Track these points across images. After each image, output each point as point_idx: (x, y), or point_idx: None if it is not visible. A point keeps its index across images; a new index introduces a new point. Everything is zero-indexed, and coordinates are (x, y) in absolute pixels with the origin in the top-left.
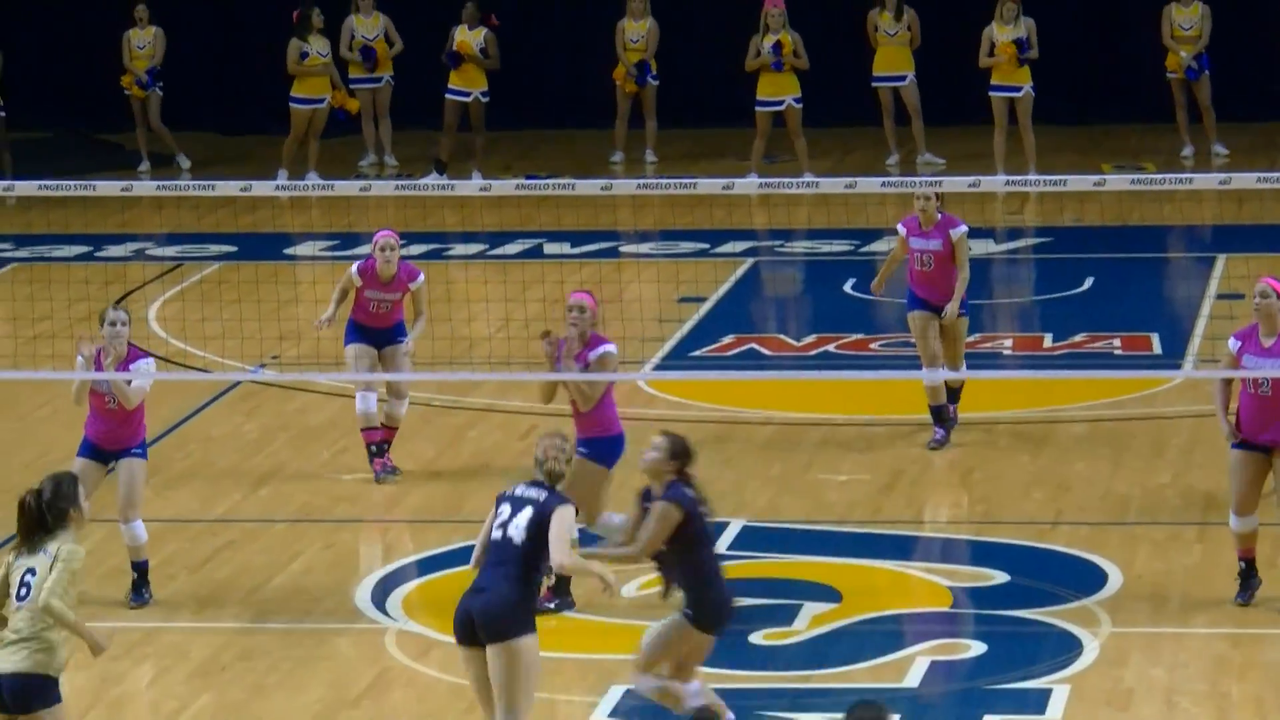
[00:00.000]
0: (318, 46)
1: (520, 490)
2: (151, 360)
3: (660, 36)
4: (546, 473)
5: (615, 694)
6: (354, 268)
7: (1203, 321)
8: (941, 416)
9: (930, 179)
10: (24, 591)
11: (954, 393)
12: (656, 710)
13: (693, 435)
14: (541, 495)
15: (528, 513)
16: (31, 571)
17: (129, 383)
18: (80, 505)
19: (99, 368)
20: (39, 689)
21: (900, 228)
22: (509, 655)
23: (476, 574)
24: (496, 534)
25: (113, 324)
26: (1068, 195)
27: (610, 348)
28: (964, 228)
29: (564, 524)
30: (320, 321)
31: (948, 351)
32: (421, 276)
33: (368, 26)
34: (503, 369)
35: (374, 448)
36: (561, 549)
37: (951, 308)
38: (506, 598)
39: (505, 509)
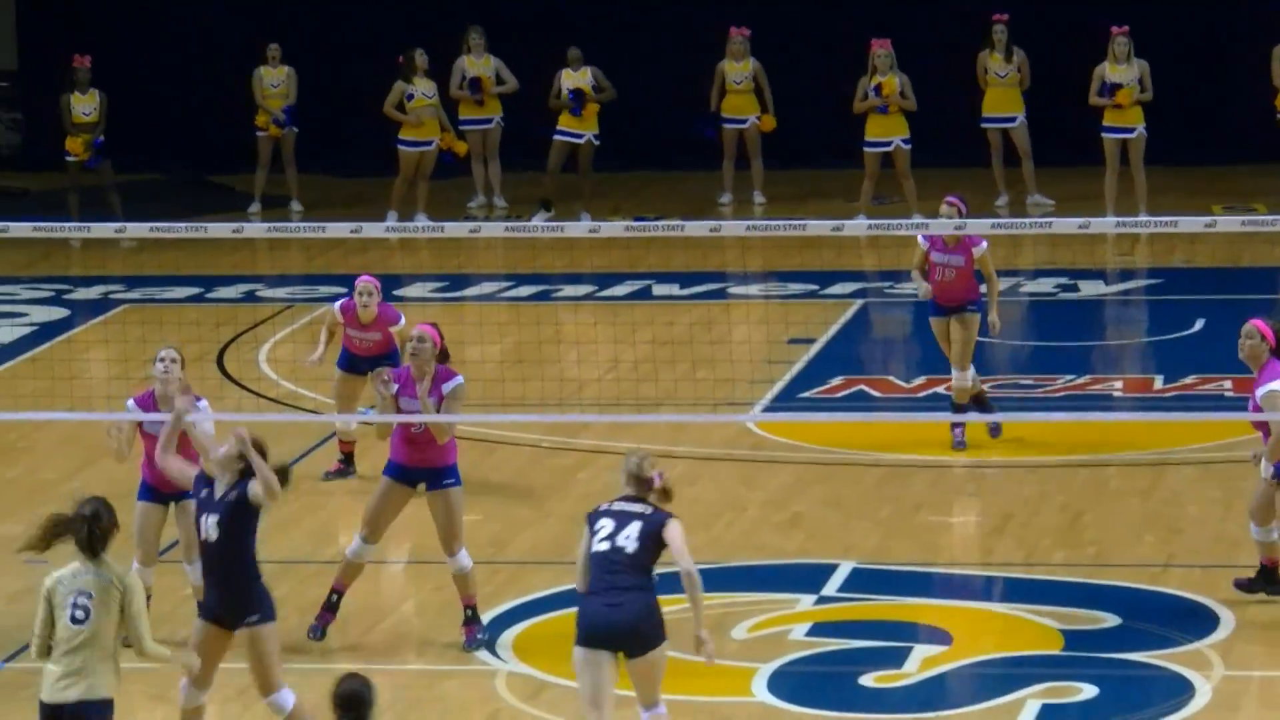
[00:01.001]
0: (423, 89)
1: (618, 506)
2: (205, 401)
3: (768, 77)
4: (642, 481)
5: None
6: (336, 305)
7: None
8: (968, 408)
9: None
10: (80, 615)
11: (978, 401)
12: None
13: (802, 477)
14: (646, 509)
15: (636, 525)
16: (86, 595)
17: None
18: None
19: (153, 407)
20: (99, 712)
21: (922, 240)
22: (649, 665)
23: (590, 588)
24: (603, 546)
25: (162, 360)
26: (1178, 237)
27: (460, 380)
28: (985, 244)
29: (682, 536)
30: (311, 360)
31: (955, 350)
32: (402, 320)
33: (479, 68)
34: (612, 411)
35: (343, 458)
36: (689, 559)
37: (993, 317)
38: (644, 609)
39: (606, 524)
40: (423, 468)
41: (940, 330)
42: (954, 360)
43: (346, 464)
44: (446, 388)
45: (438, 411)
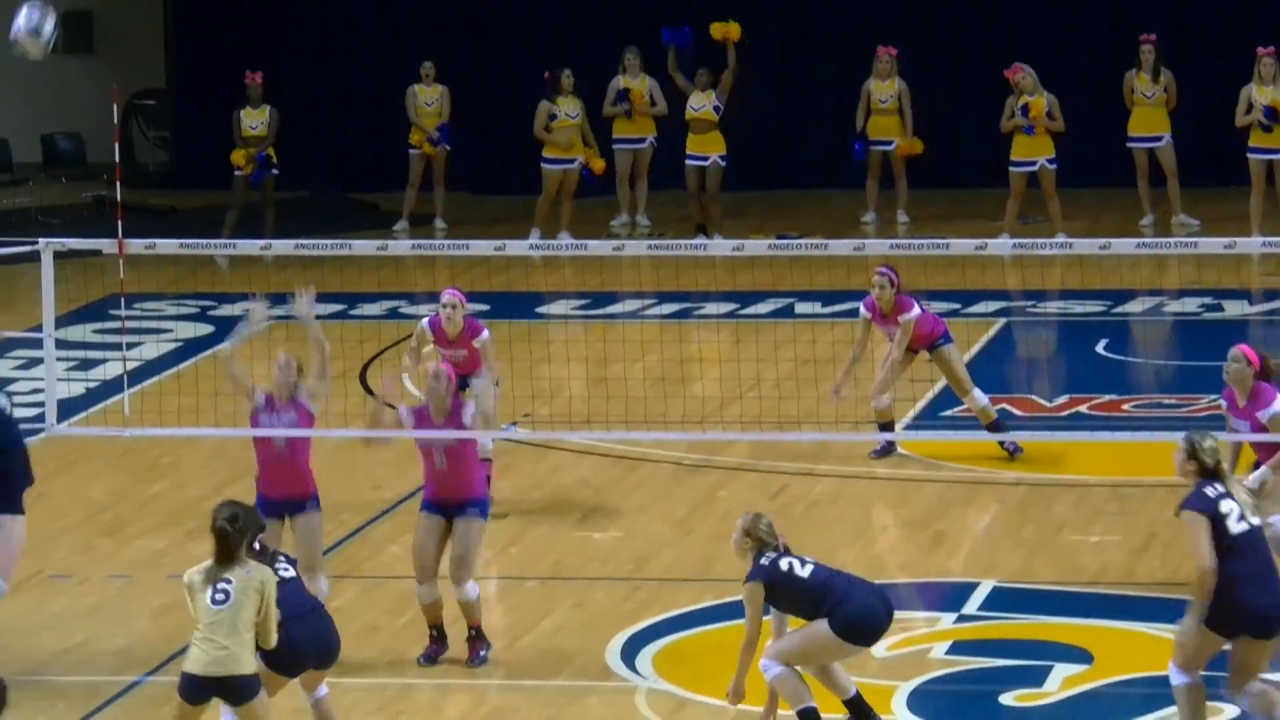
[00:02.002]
0: (567, 109)
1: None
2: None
3: (915, 97)
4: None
5: None
6: (425, 322)
7: None
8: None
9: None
10: (220, 597)
11: (996, 427)
12: None
13: (944, 496)
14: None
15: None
16: (229, 581)
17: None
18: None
19: (270, 410)
20: (249, 686)
21: (864, 310)
22: None
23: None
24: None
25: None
26: None
27: (471, 408)
28: (915, 310)
29: None
30: (390, 386)
31: (951, 383)
32: (486, 334)
33: (632, 89)
34: (754, 429)
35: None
36: None
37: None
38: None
39: (792, 561)
40: (454, 500)
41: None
42: (958, 392)
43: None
44: (467, 416)
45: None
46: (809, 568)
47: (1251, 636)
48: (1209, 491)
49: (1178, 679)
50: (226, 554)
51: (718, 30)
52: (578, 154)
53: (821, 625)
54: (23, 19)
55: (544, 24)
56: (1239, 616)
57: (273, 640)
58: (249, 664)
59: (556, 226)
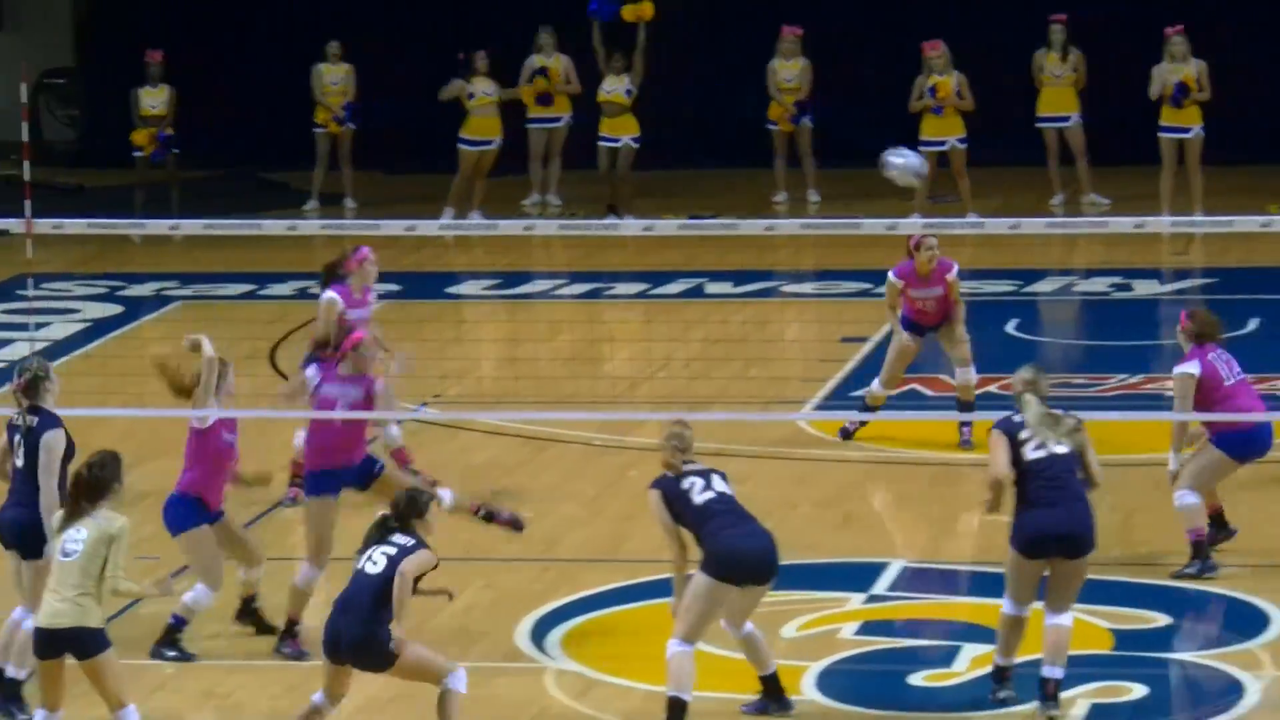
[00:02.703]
0: (483, 88)
1: (690, 468)
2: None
3: (824, 76)
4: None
5: None
6: (332, 293)
7: None
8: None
9: (924, 222)
10: (71, 547)
11: (967, 408)
12: None
13: (854, 476)
14: (703, 465)
15: (716, 476)
16: (80, 531)
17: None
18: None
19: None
20: (92, 639)
21: (896, 279)
22: (764, 591)
23: (722, 526)
24: (708, 495)
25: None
26: (1233, 236)
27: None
28: (956, 267)
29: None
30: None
31: (955, 351)
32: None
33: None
34: (664, 409)
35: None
36: None
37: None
38: (771, 539)
39: (695, 481)
40: (350, 464)
41: (904, 348)
42: (958, 362)
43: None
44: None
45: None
46: (707, 495)
47: (1061, 557)
48: (1015, 418)
49: (1007, 608)
50: (77, 503)
51: (630, 12)
52: (495, 135)
53: (698, 573)
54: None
55: (455, 2)
56: (1030, 536)
57: (107, 597)
58: (96, 617)
59: (470, 206)
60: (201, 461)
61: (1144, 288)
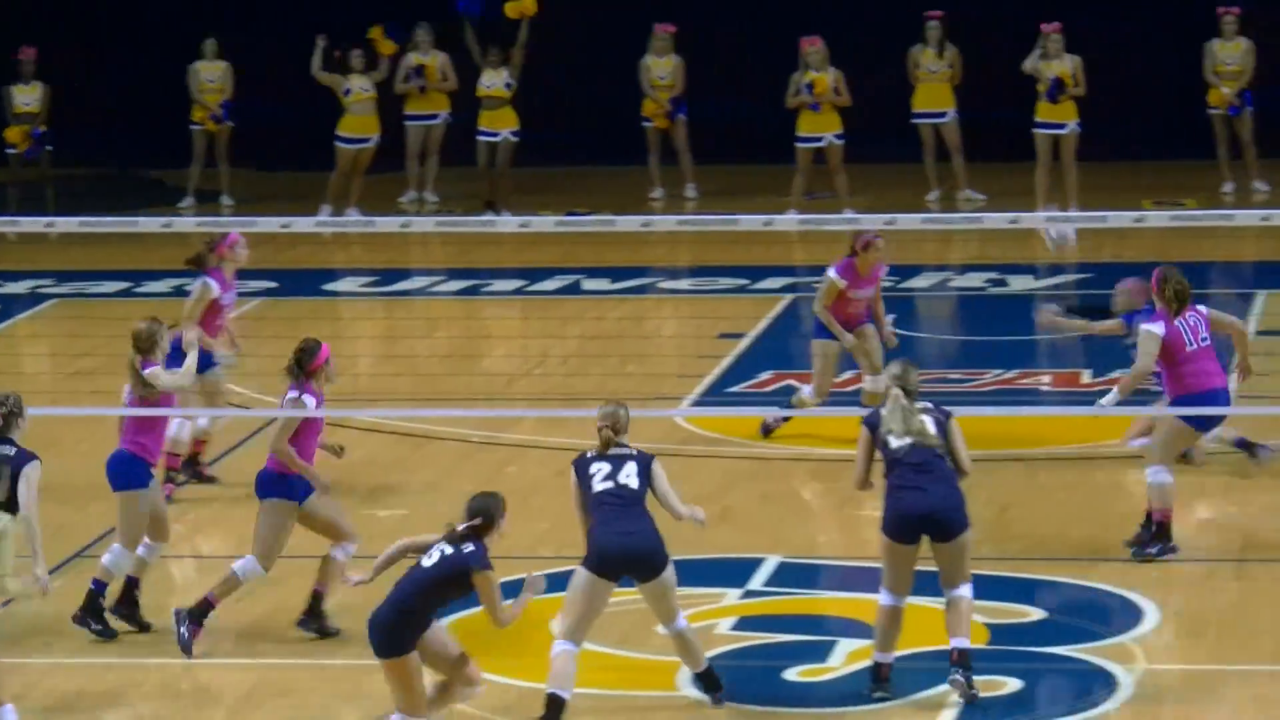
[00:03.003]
0: (360, 84)
1: (614, 451)
2: None
3: (702, 72)
4: (606, 441)
5: None
6: (208, 279)
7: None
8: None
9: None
10: None
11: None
12: None
13: (731, 472)
14: (633, 450)
15: (631, 465)
16: None
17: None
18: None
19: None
20: None
21: (838, 278)
22: (662, 585)
23: (604, 520)
24: (606, 484)
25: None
26: (1108, 232)
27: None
28: (886, 269)
29: (664, 476)
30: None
31: (867, 361)
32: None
33: (424, 63)
34: (541, 405)
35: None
36: (677, 502)
37: (889, 331)
38: (655, 537)
39: (603, 466)
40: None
41: (831, 353)
42: (869, 370)
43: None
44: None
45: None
46: (606, 484)
47: (932, 539)
48: (883, 411)
49: (883, 599)
50: None
51: (513, 9)
52: (373, 133)
53: (579, 567)
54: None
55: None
56: (896, 519)
57: None
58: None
59: (346, 203)
60: (158, 427)
61: (1019, 283)
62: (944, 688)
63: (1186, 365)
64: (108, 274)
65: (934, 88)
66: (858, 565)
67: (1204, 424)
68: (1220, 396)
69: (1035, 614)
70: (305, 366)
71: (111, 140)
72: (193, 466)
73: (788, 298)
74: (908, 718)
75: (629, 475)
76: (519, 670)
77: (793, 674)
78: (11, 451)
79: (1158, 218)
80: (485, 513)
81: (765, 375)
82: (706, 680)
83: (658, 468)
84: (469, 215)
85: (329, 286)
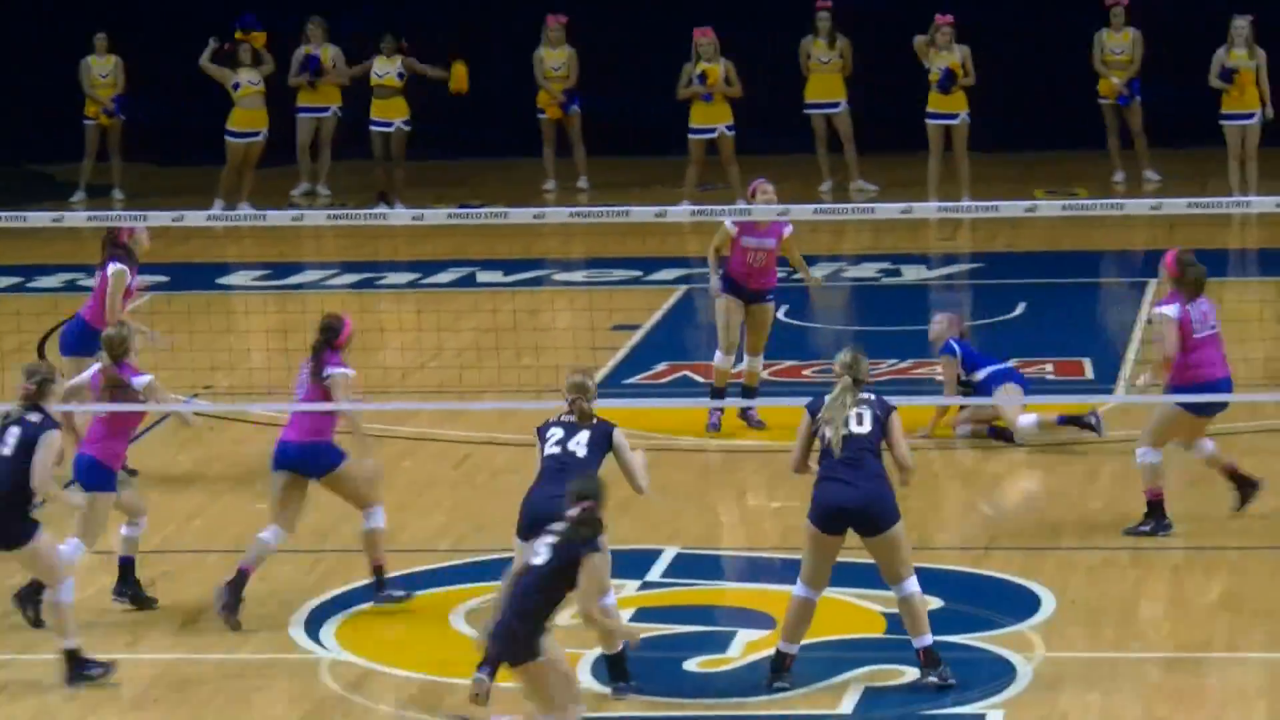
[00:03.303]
0: (248, 77)
1: (565, 419)
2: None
3: (595, 63)
4: (579, 411)
5: None
6: (119, 266)
7: (1134, 346)
8: (721, 395)
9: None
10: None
11: (750, 393)
12: None
13: None
14: (592, 422)
15: (586, 433)
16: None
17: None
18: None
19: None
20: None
21: (730, 225)
22: (591, 557)
23: (537, 483)
24: (554, 450)
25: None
26: (1000, 221)
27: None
28: (791, 226)
29: (627, 447)
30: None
31: (753, 338)
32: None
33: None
34: (435, 398)
35: None
36: (641, 474)
37: (813, 277)
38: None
39: (557, 431)
40: None
41: (729, 309)
42: (750, 348)
43: None
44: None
45: None
46: (554, 449)
47: (859, 533)
48: (826, 397)
49: (797, 590)
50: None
51: (454, 86)
52: (262, 126)
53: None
54: None
55: None
56: (823, 509)
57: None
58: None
59: (238, 197)
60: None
61: (912, 273)
62: (843, 677)
63: (1193, 353)
64: None
65: (825, 78)
66: (755, 556)
67: (1201, 409)
68: (1222, 385)
69: (933, 603)
70: (334, 341)
71: (4, 134)
72: None
73: (681, 289)
74: (807, 707)
75: (579, 444)
76: (418, 664)
77: (692, 665)
78: (38, 419)
79: (1049, 207)
80: (593, 494)
81: (661, 366)
82: (615, 667)
83: (619, 437)
84: (361, 209)
85: (222, 280)
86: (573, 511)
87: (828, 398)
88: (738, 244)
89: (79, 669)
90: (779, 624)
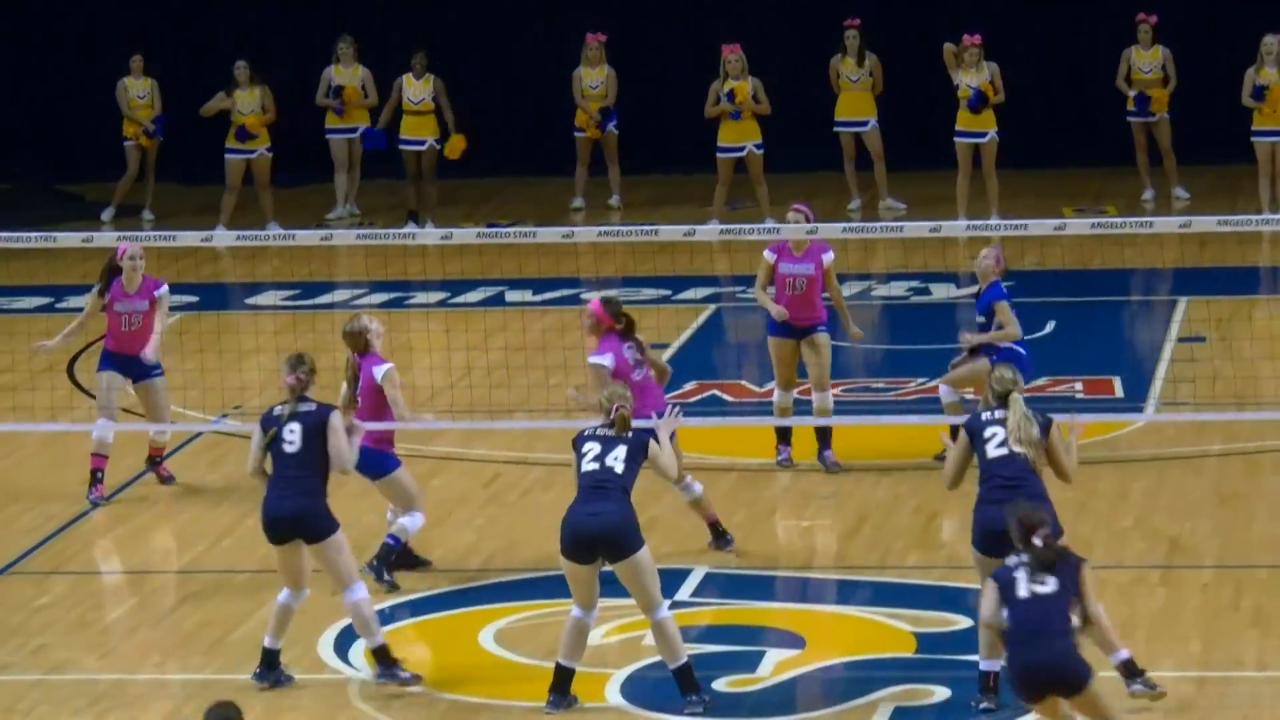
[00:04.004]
0: (241, 104)
1: (601, 431)
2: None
3: (622, 82)
4: (619, 419)
5: None
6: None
7: (1164, 365)
8: (786, 436)
9: (798, 206)
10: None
11: (825, 436)
12: None
13: (658, 481)
14: (627, 434)
15: (621, 448)
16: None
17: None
18: None
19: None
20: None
21: (768, 254)
22: (635, 568)
23: (576, 500)
24: (593, 466)
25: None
26: (1029, 239)
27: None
28: (832, 252)
29: (666, 448)
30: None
31: (813, 374)
32: (165, 286)
33: (345, 77)
34: (465, 418)
35: (98, 474)
36: (673, 469)
37: (853, 329)
38: (624, 518)
39: (594, 446)
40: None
41: (783, 352)
42: (814, 384)
43: (99, 480)
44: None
45: None
46: (591, 465)
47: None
48: (984, 415)
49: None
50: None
51: (451, 151)
52: (263, 144)
53: None
54: None
55: (250, 12)
56: (985, 530)
57: None
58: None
59: (261, 218)
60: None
61: (941, 291)
62: (873, 696)
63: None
64: (28, 289)
65: (855, 96)
66: (784, 575)
67: None
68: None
69: (962, 622)
70: (364, 348)
71: (34, 154)
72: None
73: (710, 308)
74: None
75: (616, 458)
76: (446, 684)
77: (722, 684)
78: (313, 407)
79: (1079, 225)
80: (1044, 521)
81: (689, 385)
82: (682, 679)
83: (654, 448)
84: (389, 229)
85: (250, 300)
86: (1036, 541)
87: (998, 415)
88: (777, 273)
89: (388, 667)
90: (807, 643)
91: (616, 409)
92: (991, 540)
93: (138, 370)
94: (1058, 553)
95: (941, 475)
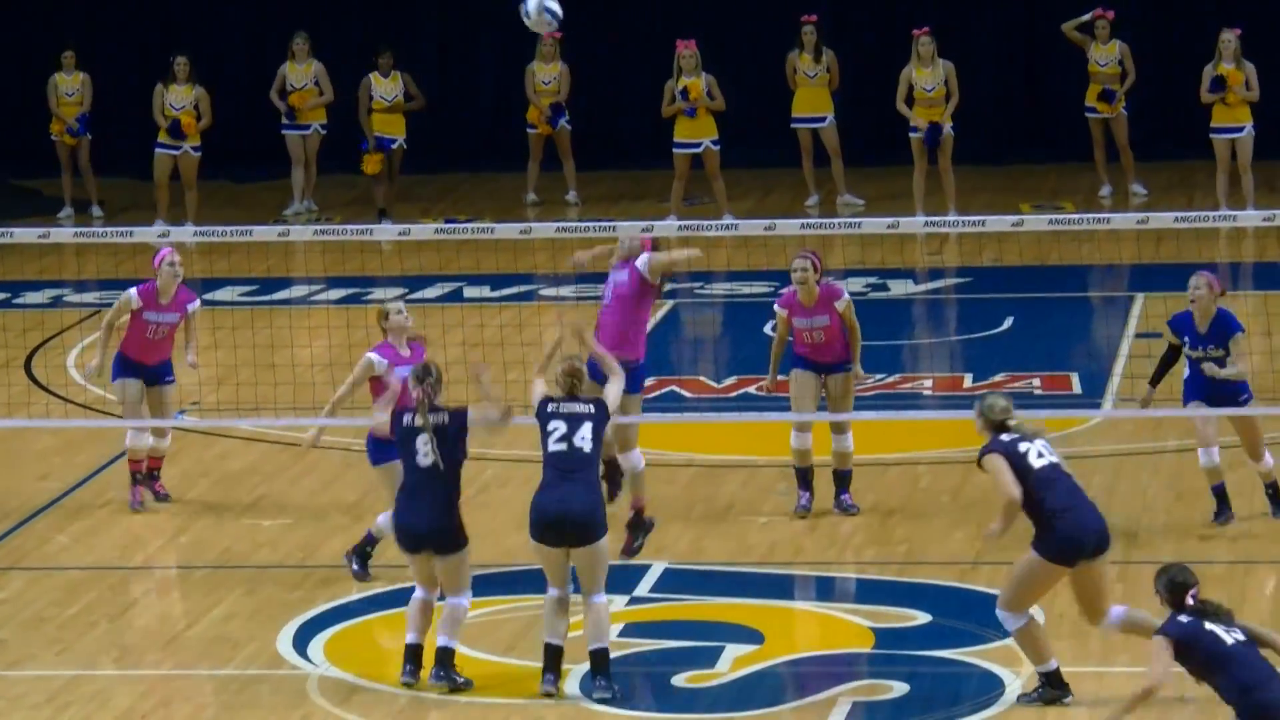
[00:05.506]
0: (172, 99)
1: (564, 407)
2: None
3: (581, 78)
4: (571, 374)
5: None
6: (132, 291)
7: (1122, 361)
8: (807, 480)
9: (804, 252)
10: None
11: (843, 480)
12: None
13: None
14: (588, 407)
15: (587, 425)
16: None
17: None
18: None
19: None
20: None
21: (780, 310)
22: (594, 555)
23: (544, 484)
24: (560, 446)
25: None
26: (987, 236)
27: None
28: (847, 295)
29: (615, 399)
30: (90, 369)
31: (834, 410)
32: (198, 301)
33: (298, 74)
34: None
35: (138, 475)
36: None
37: (858, 370)
38: (593, 505)
39: (559, 425)
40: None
41: (800, 382)
42: (834, 426)
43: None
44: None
45: None
46: (559, 446)
47: (1087, 560)
48: (1004, 437)
49: (1014, 623)
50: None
51: (369, 167)
52: (192, 142)
53: None
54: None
55: (204, 4)
56: (1071, 544)
57: None
58: None
59: (182, 214)
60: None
61: (899, 287)
62: (831, 691)
63: None
64: None
65: (812, 92)
66: (742, 570)
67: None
68: None
69: (920, 618)
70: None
71: None
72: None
73: (668, 304)
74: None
75: (583, 439)
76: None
77: (680, 680)
78: (444, 417)
79: (1036, 221)
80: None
81: (647, 381)
82: (598, 662)
83: (613, 407)
84: (347, 224)
85: (208, 295)
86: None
87: (1011, 436)
88: (793, 327)
89: (447, 670)
90: (765, 638)
91: (564, 371)
92: (1072, 552)
93: (150, 375)
94: (1216, 607)
95: (1004, 500)
